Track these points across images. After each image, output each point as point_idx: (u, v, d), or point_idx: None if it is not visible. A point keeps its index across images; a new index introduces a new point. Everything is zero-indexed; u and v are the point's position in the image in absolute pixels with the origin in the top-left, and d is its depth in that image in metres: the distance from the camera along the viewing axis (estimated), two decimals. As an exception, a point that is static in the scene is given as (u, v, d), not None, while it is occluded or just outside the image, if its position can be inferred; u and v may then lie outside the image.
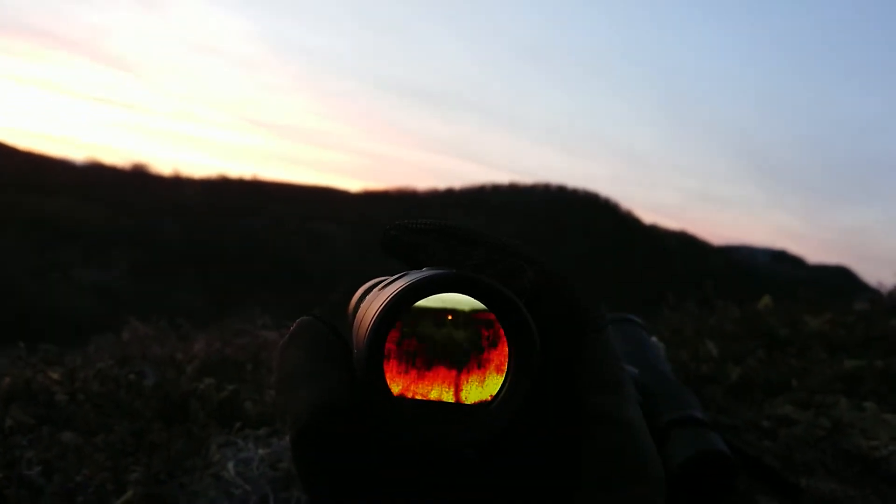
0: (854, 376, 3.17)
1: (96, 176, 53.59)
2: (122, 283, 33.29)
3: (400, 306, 0.38)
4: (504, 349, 0.39)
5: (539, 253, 0.47)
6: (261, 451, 1.94)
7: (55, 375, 2.39)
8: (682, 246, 59.94)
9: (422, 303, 0.38)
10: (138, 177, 56.38)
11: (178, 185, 56.08)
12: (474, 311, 0.39)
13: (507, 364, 0.39)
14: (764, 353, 3.49)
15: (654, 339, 1.65)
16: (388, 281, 0.44)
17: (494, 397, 0.39)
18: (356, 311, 0.51)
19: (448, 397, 0.39)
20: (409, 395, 0.39)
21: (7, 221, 35.79)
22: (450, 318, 0.39)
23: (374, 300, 0.41)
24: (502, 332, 0.39)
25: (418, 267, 0.47)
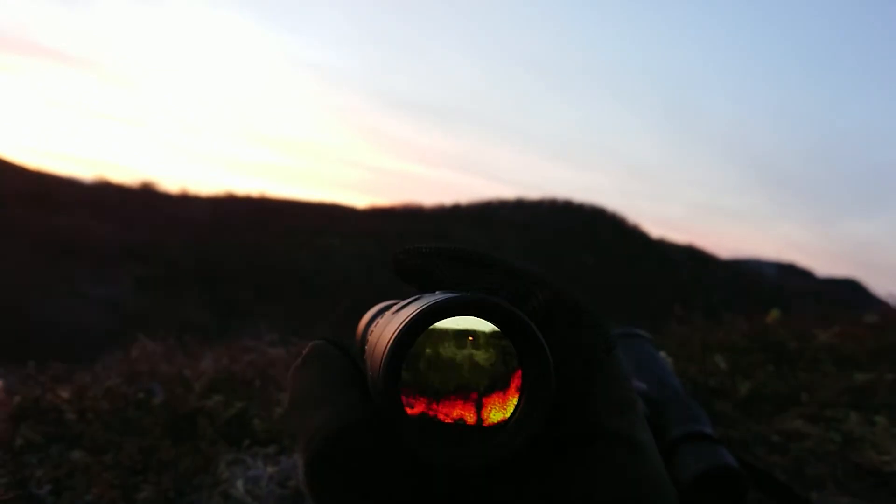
0: (864, 390, 3.15)
1: (104, 193, 53.89)
2: (129, 298, 33.37)
3: (415, 330, 0.38)
4: (519, 372, 0.39)
5: (550, 274, 0.47)
6: (269, 469, 1.94)
7: (64, 394, 2.40)
8: (690, 259, 59.72)
9: (437, 325, 0.38)
10: (146, 194, 56.69)
11: (186, 202, 56.35)
12: (489, 335, 0.39)
13: (521, 387, 0.39)
14: (773, 366, 3.47)
15: (662, 353, 1.65)
16: (402, 305, 0.44)
17: (509, 420, 0.39)
18: (367, 334, 0.51)
19: (463, 420, 0.39)
20: (425, 418, 0.39)
21: (15, 238, 35.98)
22: (467, 340, 0.39)
23: (388, 324, 0.41)
24: (517, 355, 0.39)
25: (430, 290, 0.47)
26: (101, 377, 2.88)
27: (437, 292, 0.43)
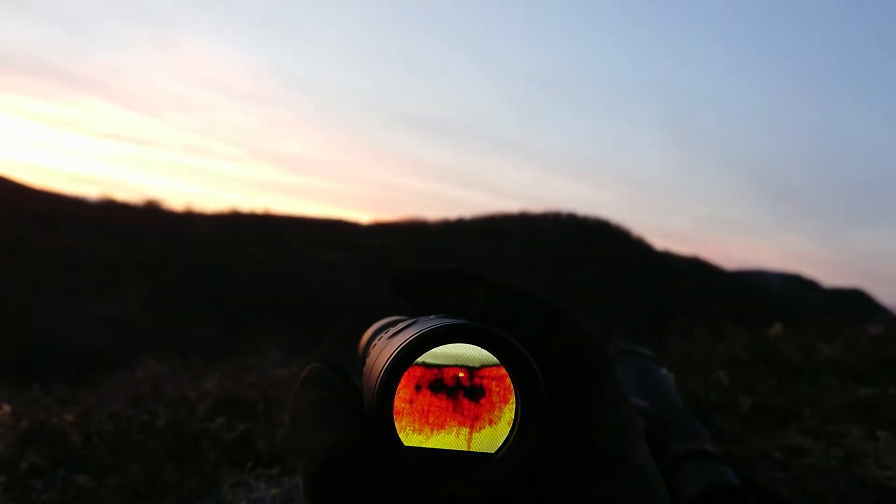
0: (867, 404, 3.15)
1: (110, 212, 54.09)
2: (134, 315, 33.40)
3: (409, 357, 0.39)
4: (514, 397, 0.40)
5: (546, 294, 0.48)
6: (273, 491, 1.95)
7: (69, 417, 2.41)
8: (695, 271, 59.55)
9: (431, 351, 0.39)
10: (151, 212, 56.87)
11: (191, 220, 56.50)
12: (486, 360, 0.40)
13: (516, 412, 0.40)
14: (775, 380, 3.47)
15: (663, 370, 1.65)
16: (398, 329, 0.44)
17: (504, 444, 0.40)
18: (366, 355, 0.52)
19: (458, 445, 0.40)
20: (420, 443, 0.39)
21: (22, 257, 36.11)
22: (462, 366, 0.40)
23: (384, 348, 0.42)
24: (512, 380, 0.40)
25: (428, 309, 0.48)
26: (106, 399, 2.90)
27: (432, 316, 0.44)
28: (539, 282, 48.26)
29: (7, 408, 2.19)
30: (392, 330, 0.46)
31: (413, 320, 0.45)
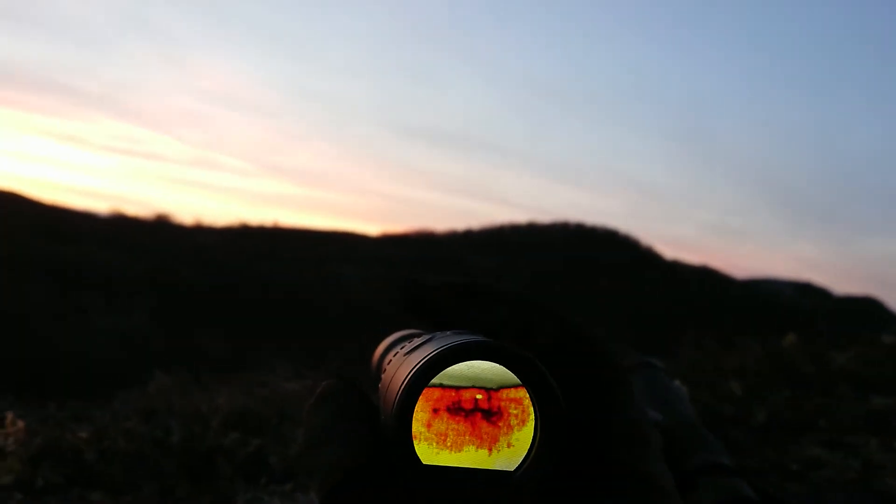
0: (883, 415, 3.12)
1: (120, 226, 54.40)
2: (144, 329, 33.51)
3: (427, 376, 0.38)
4: (531, 414, 0.39)
5: (558, 305, 0.47)
6: (286, 507, 1.95)
7: (84, 434, 2.42)
8: (705, 280, 59.27)
9: (450, 371, 0.39)
10: (161, 226, 57.17)
11: (200, 233, 56.77)
12: (504, 379, 0.40)
13: (534, 429, 0.39)
14: (789, 391, 3.44)
15: (676, 382, 1.65)
16: (414, 345, 0.44)
17: (522, 463, 0.39)
18: (380, 370, 0.51)
19: (476, 463, 0.39)
20: (437, 461, 0.39)
21: (32, 272, 36.32)
22: (480, 387, 0.39)
23: (400, 366, 0.42)
24: (529, 397, 0.39)
25: (439, 324, 0.48)
26: (120, 415, 2.90)
27: (448, 332, 0.43)
28: (548, 292, 48.14)
29: (21, 424, 2.20)
30: (407, 346, 0.46)
31: (429, 336, 0.44)
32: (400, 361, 0.44)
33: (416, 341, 0.45)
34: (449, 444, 0.39)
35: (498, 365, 0.40)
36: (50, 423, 2.51)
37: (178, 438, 2.57)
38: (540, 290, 48.59)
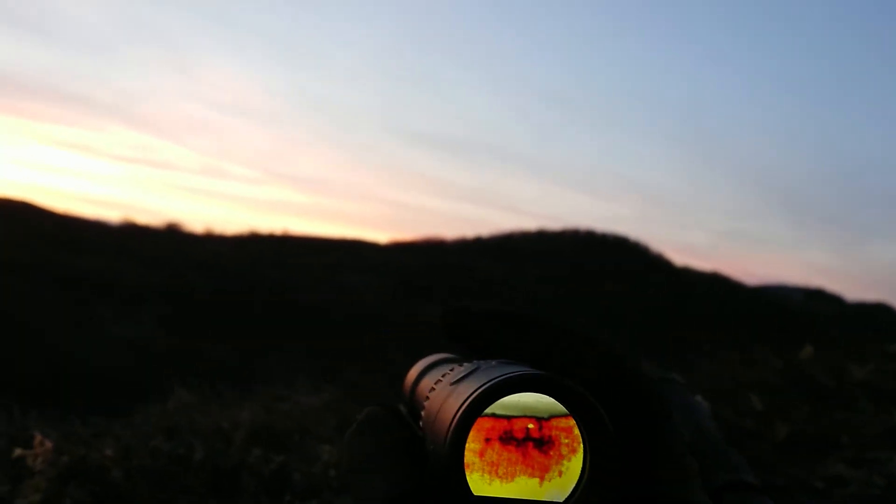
0: (905, 430, 3.10)
1: (130, 235, 54.70)
2: (156, 338, 33.65)
3: (480, 408, 0.39)
4: (582, 447, 0.40)
5: (598, 333, 0.48)
6: (313, 527, 1.96)
7: (109, 452, 2.44)
8: (715, 287, 59.02)
9: (501, 400, 0.39)
10: (171, 234, 57.44)
11: (210, 242, 57.02)
12: (554, 409, 0.40)
13: (584, 461, 0.40)
14: (809, 406, 3.43)
15: (698, 397, 1.65)
16: (460, 374, 0.44)
17: (573, 493, 0.39)
18: (420, 397, 0.51)
19: (528, 495, 0.39)
20: (489, 492, 0.39)
21: (44, 280, 36.57)
22: (532, 416, 0.40)
23: (449, 396, 0.42)
24: (580, 430, 0.40)
25: (481, 353, 0.48)
26: (142, 431, 2.92)
27: (494, 363, 0.43)
28: (558, 300, 48.02)
29: (49, 444, 2.22)
30: (450, 374, 0.46)
31: (474, 366, 0.44)
32: (447, 391, 0.44)
33: (461, 370, 0.46)
34: (501, 473, 0.39)
35: (548, 397, 0.41)
36: (74, 440, 2.52)
37: (202, 456, 2.58)
38: (549, 296, 48.47)
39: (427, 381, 0.53)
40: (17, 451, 2.22)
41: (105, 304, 36.52)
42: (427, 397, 0.48)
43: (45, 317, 32.09)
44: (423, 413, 0.47)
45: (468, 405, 0.38)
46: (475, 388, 0.39)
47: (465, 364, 0.47)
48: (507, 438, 0.40)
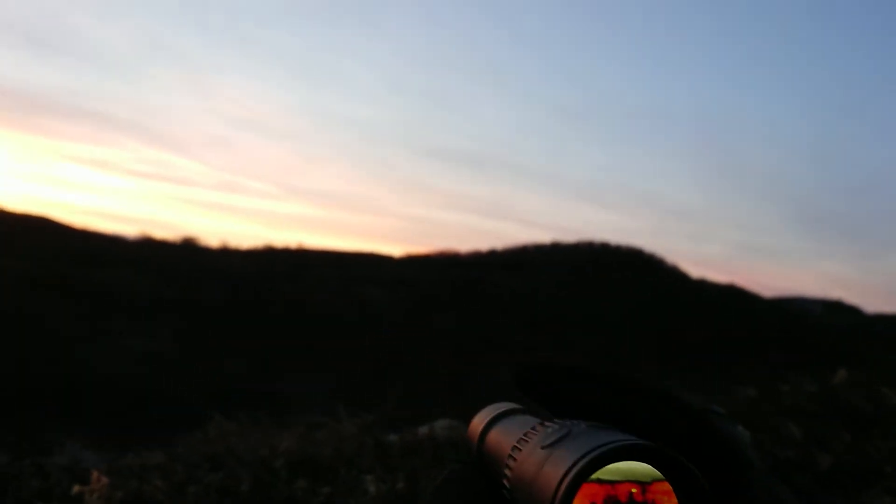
0: (949, 459, 3.06)
1: (147, 250, 55.10)
2: (173, 352, 33.82)
3: (586, 475, 0.39)
4: None
5: (674, 388, 0.49)
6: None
7: (160, 483, 2.47)
8: (732, 299, 58.54)
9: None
10: (188, 249, 57.83)
11: (226, 256, 57.32)
12: (655, 474, 0.41)
13: None
14: (849, 434, 3.40)
15: (739, 427, 1.65)
16: (552, 438, 0.44)
17: None
18: (491, 451, 0.52)
19: None
20: None
21: (64, 295, 36.88)
22: (634, 481, 0.41)
23: (545, 463, 0.43)
24: (677, 494, 0.41)
25: (555, 408, 0.48)
26: (188, 460, 2.95)
27: (583, 424, 0.44)
28: (573, 313, 47.75)
29: (106, 480, 2.25)
30: (536, 435, 0.47)
31: (563, 428, 0.45)
32: (541, 454, 0.45)
33: (551, 432, 0.47)
34: None
35: (645, 464, 0.42)
36: (125, 473, 2.56)
37: (248, 488, 2.61)
38: (564, 309, 48.24)
39: (503, 437, 0.53)
40: (77, 488, 2.26)
41: (122, 317, 36.77)
42: (512, 457, 0.48)
43: (63, 329, 32.35)
44: (508, 473, 0.48)
45: (576, 473, 0.39)
46: (579, 455, 0.40)
47: (549, 424, 0.48)
48: (611, 503, 0.40)
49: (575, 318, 46.99)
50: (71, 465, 2.64)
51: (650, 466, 0.41)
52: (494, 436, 0.54)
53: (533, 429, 0.48)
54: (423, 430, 3.77)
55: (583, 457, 0.40)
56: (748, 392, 4.33)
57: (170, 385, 27.84)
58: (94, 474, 2.24)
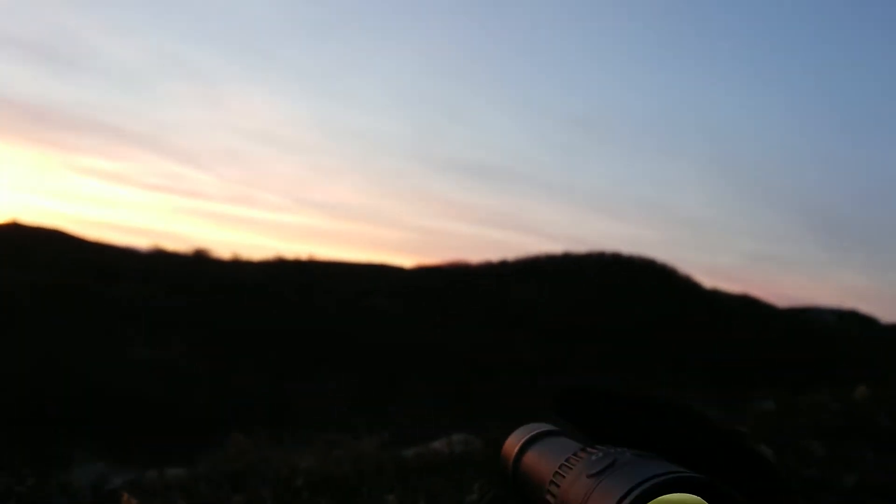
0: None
1: (160, 262, 55.39)
2: (186, 364, 33.93)
3: None
4: None
5: (708, 415, 0.49)
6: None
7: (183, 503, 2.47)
8: (746, 309, 58.10)
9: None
10: (200, 261, 58.05)
11: (238, 268, 57.53)
12: (702, 501, 0.41)
13: None
14: (872, 452, 3.36)
15: (762, 446, 1.65)
16: (597, 466, 0.44)
17: None
18: (528, 475, 0.52)
19: None
20: None
21: (75, 307, 37.12)
22: None
23: (594, 490, 0.43)
24: None
25: (594, 433, 0.48)
26: (209, 479, 2.96)
27: (629, 453, 0.45)
28: (585, 323, 47.57)
29: (136, 502, 2.27)
30: (579, 462, 0.47)
31: (608, 457, 0.45)
32: (588, 483, 0.45)
33: (596, 460, 0.47)
34: None
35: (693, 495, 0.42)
36: (150, 493, 2.57)
37: (271, 507, 2.61)
38: (576, 320, 48.05)
39: (543, 461, 0.53)
40: (104, 510, 2.27)
41: (134, 329, 36.94)
42: (555, 483, 0.49)
43: (76, 343, 32.53)
44: (550, 500, 0.48)
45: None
46: (629, 486, 0.41)
47: (592, 451, 0.48)
48: None
49: (587, 328, 46.76)
50: (96, 484, 2.66)
51: (699, 498, 0.41)
52: (532, 458, 0.54)
53: (575, 454, 0.48)
54: (437, 444, 3.76)
55: (633, 489, 0.40)
56: (766, 406, 4.30)
57: (184, 398, 27.93)
58: (125, 497, 2.26)
